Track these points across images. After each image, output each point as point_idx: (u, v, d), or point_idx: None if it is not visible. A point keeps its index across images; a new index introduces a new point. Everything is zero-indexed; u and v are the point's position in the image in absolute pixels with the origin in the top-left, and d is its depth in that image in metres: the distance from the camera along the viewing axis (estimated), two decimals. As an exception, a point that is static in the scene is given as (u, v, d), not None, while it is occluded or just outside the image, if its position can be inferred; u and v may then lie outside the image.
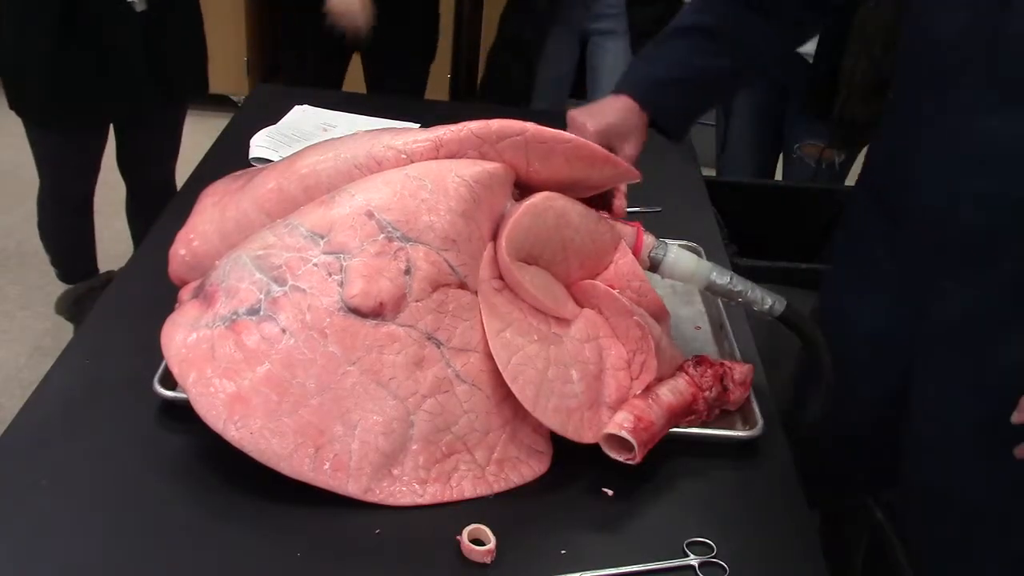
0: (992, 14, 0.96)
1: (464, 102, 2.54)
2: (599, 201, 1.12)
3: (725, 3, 1.17)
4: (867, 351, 1.17)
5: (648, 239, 1.09)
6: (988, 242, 1.03)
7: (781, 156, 2.32)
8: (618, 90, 1.17)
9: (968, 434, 1.10)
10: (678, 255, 1.08)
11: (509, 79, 2.37)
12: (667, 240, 1.12)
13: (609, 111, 1.15)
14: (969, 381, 1.09)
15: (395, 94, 2.29)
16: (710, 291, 1.09)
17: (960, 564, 1.14)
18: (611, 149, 1.14)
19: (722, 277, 1.07)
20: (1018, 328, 1.05)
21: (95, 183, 2.16)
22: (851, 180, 1.69)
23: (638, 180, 1.09)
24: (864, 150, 1.54)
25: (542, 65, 2.38)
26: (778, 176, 2.46)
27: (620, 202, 1.13)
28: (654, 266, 1.09)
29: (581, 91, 2.50)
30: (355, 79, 2.47)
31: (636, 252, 1.08)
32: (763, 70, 1.26)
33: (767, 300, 1.07)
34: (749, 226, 1.84)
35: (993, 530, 1.11)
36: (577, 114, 1.15)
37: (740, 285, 1.07)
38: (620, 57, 2.33)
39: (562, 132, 1.02)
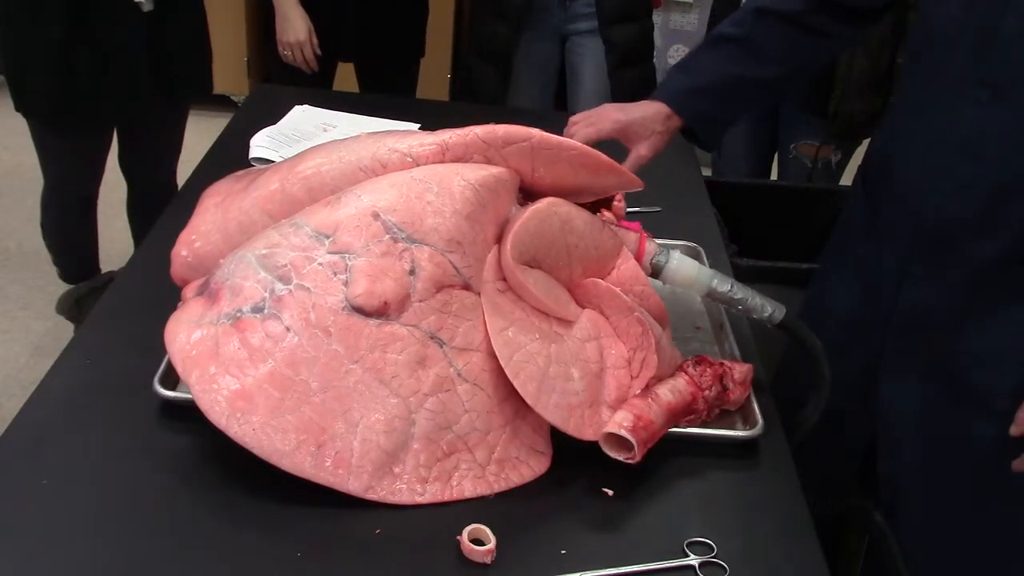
0: (986, 8, 0.97)
1: (464, 102, 2.54)
2: (599, 199, 1.13)
3: (755, 15, 1.19)
4: (840, 335, 1.18)
5: (650, 246, 1.10)
6: (957, 232, 1.04)
7: (777, 156, 2.32)
8: (653, 98, 1.20)
9: (930, 423, 1.11)
10: (680, 262, 1.09)
11: (483, 82, 2.37)
12: (669, 246, 1.12)
13: (638, 108, 1.18)
14: (931, 369, 1.10)
15: (391, 94, 2.29)
16: (711, 298, 1.10)
17: (946, 559, 1.15)
18: (626, 144, 1.16)
19: (723, 285, 1.08)
20: (979, 318, 1.05)
21: (99, 183, 2.16)
22: (847, 179, 1.69)
23: (641, 188, 1.10)
24: (860, 150, 1.55)
25: (525, 72, 2.38)
26: (773, 176, 2.46)
27: (619, 204, 1.15)
28: (656, 272, 1.10)
29: (562, 92, 2.50)
30: (348, 80, 2.47)
31: (638, 258, 1.09)
32: (798, 81, 1.27)
33: (767, 308, 1.08)
34: (749, 226, 1.84)
35: (973, 525, 1.11)
36: (609, 106, 1.17)
37: (740, 293, 1.08)
38: (600, 56, 2.33)
39: (567, 139, 1.03)
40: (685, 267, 1.09)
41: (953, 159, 1.02)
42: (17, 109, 1.92)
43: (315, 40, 2.18)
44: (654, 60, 2.45)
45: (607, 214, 1.13)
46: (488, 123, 1.04)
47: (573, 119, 1.22)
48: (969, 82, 1.00)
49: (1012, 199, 0.99)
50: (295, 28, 2.16)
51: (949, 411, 1.09)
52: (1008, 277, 1.03)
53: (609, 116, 1.18)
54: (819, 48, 1.21)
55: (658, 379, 1.01)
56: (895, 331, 1.14)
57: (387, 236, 0.94)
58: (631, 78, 2.35)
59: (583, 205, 1.09)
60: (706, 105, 1.20)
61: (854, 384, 1.18)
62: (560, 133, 1.03)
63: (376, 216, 0.95)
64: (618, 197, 1.15)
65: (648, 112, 1.18)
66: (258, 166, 1.41)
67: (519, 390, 0.92)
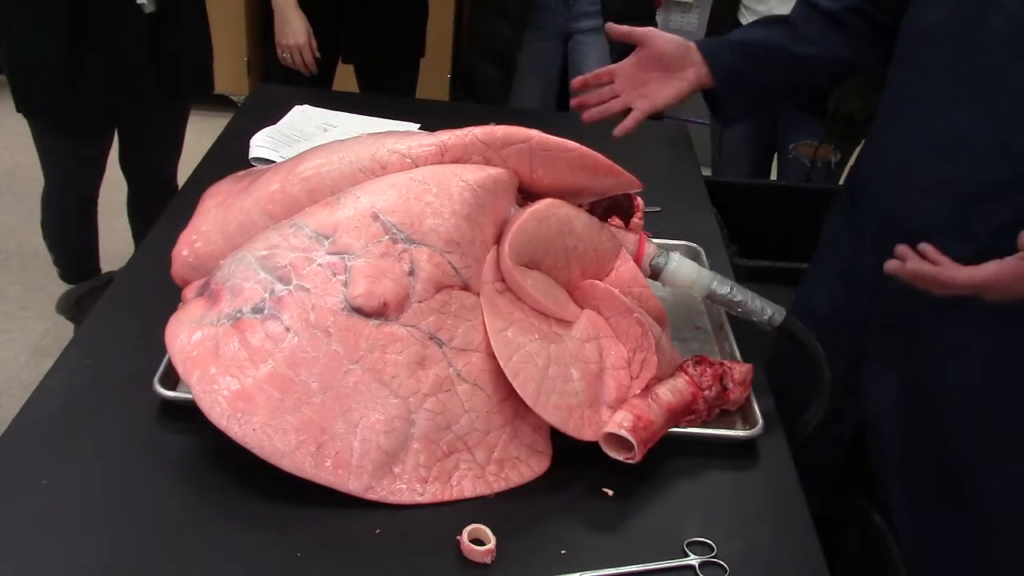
0: (969, 9, 0.97)
1: (463, 102, 2.54)
2: (617, 208, 1.13)
3: (800, 3, 1.23)
4: (824, 331, 1.18)
5: (650, 247, 1.10)
6: (932, 232, 1.04)
7: (776, 156, 2.32)
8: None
9: (909, 420, 1.11)
10: (679, 264, 1.09)
11: (485, 81, 2.37)
12: (669, 246, 1.12)
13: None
14: (908, 368, 1.10)
15: (391, 94, 2.29)
16: (710, 300, 1.10)
17: (940, 556, 1.15)
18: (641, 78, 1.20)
19: (722, 287, 1.08)
20: (952, 319, 1.06)
21: (100, 183, 2.17)
22: (847, 179, 1.69)
23: (640, 189, 1.10)
24: (859, 150, 1.56)
25: (527, 71, 2.38)
26: (773, 176, 2.46)
27: (638, 222, 1.15)
28: (655, 274, 1.10)
29: (564, 91, 2.50)
30: (347, 80, 2.47)
31: (638, 260, 1.09)
32: (836, 71, 1.27)
33: (767, 311, 1.07)
34: (749, 226, 1.84)
35: (956, 522, 1.11)
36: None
37: (740, 295, 1.08)
38: (603, 54, 2.33)
39: (566, 140, 1.03)
40: (684, 269, 1.09)
41: (931, 159, 1.03)
42: (18, 110, 1.92)
43: (314, 43, 2.18)
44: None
45: (616, 220, 1.13)
46: (488, 123, 1.04)
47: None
48: (950, 82, 1.00)
49: (987, 200, 0.99)
50: (294, 30, 2.16)
51: (925, 409, 1.09)
52: None
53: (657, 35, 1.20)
54: (858, 46, 1.21)
55: (658, 379, 1.01)
56: (873, 329, 1.14)
57: (386, 237, 0.94)
58: None
59: (591, 210, 1.10)
60: (734, 57, 1.20)
61: (837, 380, 1.18)
62: (561, 134, 1.03)
63: (375, 217, 0.95)
64: (638, 215, 1.15)
65: (687, 48, 1.20)
66: (258, 166, 1.41)
67: (518, 390, 0.92)
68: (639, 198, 1.16)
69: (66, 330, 2.37)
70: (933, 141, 1.02)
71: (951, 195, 1.02)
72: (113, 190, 2.32)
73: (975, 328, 1.05)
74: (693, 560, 0.88)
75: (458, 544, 0.87)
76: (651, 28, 1.19)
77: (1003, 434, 1.05)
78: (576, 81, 1.23)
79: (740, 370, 1.06)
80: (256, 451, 0.87)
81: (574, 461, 0.97)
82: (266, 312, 0.92)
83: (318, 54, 2.20)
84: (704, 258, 1.33)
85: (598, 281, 1.05)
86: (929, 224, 1.04)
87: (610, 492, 0.96)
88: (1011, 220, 0.98)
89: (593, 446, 0.95)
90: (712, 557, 0.89)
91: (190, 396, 0.90)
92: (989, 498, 1.06)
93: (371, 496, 0.89)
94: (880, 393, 1.15)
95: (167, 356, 0.97)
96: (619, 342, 1.03)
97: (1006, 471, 1.05)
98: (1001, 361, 1.04)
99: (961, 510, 1.10)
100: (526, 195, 1.07)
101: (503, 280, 0.99)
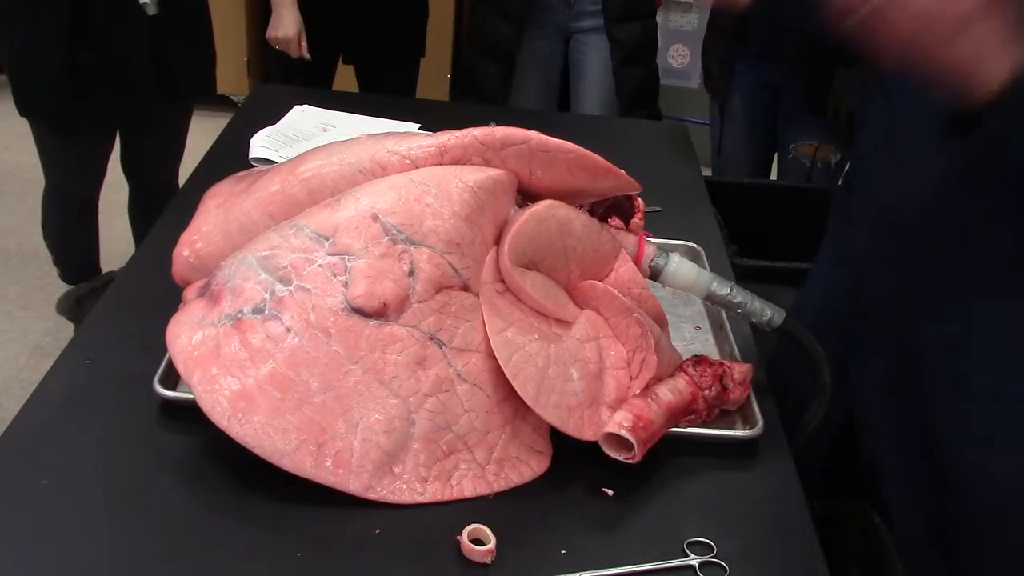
0: None
1: (463, 102, 2.54)
2: (617, 209, 1.13)
3: None
4: (814, 319, 1.17)
5: (649, 248, 1.10)
6: (919, 213, 1.02)
7: (777, 156, 2.32)
8: None
9: (897, 408, 1.11)
10: (679, 265, 1.09)
11: (485, 80, 2.37)
12: (669, 247, 1.12)
13: None
14: (895, 354, 1.09)
15: (391, 94, 2.30)
16: (709, 301, 1.10)
17: (936, 553, 1.14)
18: None
19: (722, 288, 1.08)
20: (944, 303, 1.04)
21: (101, 185, 2.17)
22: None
23: (639, 191, 1.10)
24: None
25: (528, 70, 2.38)
26: (773, 176, 2.47)
27: (638, 222, 1.15)
28: (655, 275, 1.10)
29: (565, 91, 2.50)
30: (347, 79, 2.47)
31: (637, 261, 1.09)
32: None
33: (766, 312, 1.07)
34: (749, 226, 1.84)
35: (952, 516, 1.11)
36: None
37: (740, 296, 1.08)
38: (604, 54, 2.33)
39: (565, 142, 1.03)
40: (684, 270, 1.09)
41: (918, 138, 1.01)
42: (19, 111, 1.92)
43: (304, 42, 2.20)
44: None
45: (616, 221, 1.13)
46: (488, 124, 1.04)
47: None
48: None
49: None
50: (284, 25, 2.19)
51: (915, 397, 1.08)
52: (976, 260, 1.00)
53: None
54: None
55: (658, 379, 1.01)
56: (860, 316, 1.13)
57: (386, 238, 0.94)
58: (635, 77, 2.35)
59: (592, 211, 1.10)
60: None
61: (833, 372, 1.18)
62: (561, 135, 1.03)
63: (375, 218, 0.95)
64: (638, 215, 1.15)
65: None
66: (258, 166, 1.41)
67: (518, 391, 0.93)
68: (639, 199, 1.16)
69: (66, 330, 2.37)
70: (920, 121, 1.01)
71: (949, 169, 1.00)
72: (114, 190, 2.32)
73: (967, 318, 1.04)
74: (693, 560, 0.88)
75: (458, 544, 0.87)
76: None
77: (996, 429, 1.04)
78: None
79: (740, 370, 1.06)
80: (257, 451, 0.87)
81: (574, 461, 0.97)
82: (267, 312, 0.92)
83: (307, 55, 2.22)
84: (704, 258, 1.33)
85: (597, 282, 1.05)
86: (914, 205, 1.02)
87: (610, 492, 0.96)
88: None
89: (593, 446, 0.95)
90: (712, 557, 0.89)
91: (190, 396, 0.90)
92: (981, 496, 1.06)
93: (371, 496, 0.89)
94: (866, 383, 1.14)
95: (167, 356, 0.97)
96: (619, 342, 1.03)
97: (997, 464, 1.05)
98: (996, 353, 1.03)
99: (956, 505, 1.09)
100: (526, 196, 1.07)
101: (503, 281, 1.00)
